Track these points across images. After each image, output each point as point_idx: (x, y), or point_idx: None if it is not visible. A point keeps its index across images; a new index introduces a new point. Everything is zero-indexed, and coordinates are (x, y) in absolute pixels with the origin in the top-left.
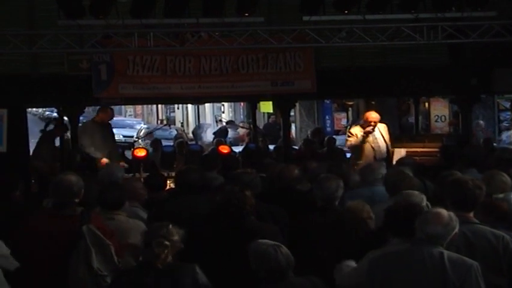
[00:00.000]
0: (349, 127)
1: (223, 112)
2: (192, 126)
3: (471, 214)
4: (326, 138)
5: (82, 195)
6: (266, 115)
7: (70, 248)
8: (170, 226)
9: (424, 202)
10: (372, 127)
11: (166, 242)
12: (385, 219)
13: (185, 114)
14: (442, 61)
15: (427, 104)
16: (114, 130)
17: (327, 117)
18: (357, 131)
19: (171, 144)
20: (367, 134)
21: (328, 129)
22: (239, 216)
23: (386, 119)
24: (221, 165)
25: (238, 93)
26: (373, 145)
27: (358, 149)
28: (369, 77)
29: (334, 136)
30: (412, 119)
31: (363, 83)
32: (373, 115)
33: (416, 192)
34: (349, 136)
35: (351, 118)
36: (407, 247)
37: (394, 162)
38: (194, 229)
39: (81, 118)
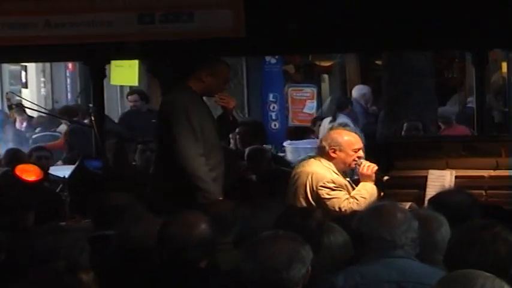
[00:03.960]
0: (316, 125)
1: (25, 86)
2: None
3: None
4: (250, 150)
5: None
6: (121, 91)
7: None
8: None
9: None
10: (361, 159)
11: None
12: None
13: None
14: None
15: (504, 66)
16: None
17: (271, 96)
18: (334, 177)
19: None
20: (378, 177)
21: (275, 124)
22: None
23: (407, 103)
24: (20, 210)
25: (62, 40)
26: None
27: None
28: (367, 5)
29: (288, 143)
30: (471, 101)
31: (354, 19)
32: (356, 137)
33: (485, 274)
34: (333, 190)
35: (327, 100)
36: None
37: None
38: None
39: None
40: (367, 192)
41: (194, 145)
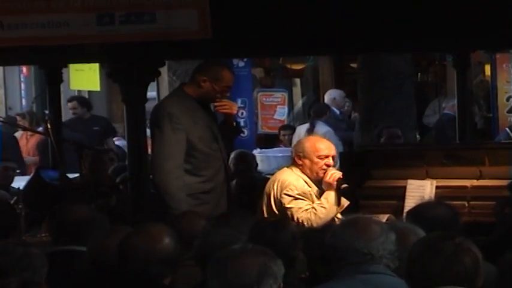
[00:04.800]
0: (281, 134)
1: None
2: None
3: None
4: (236, 154)
5: None
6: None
7: None
8: None
9: None
10: (331, 167)
11: None
12: None
13: None
14: None
15: (488, 69)
16: None
17: (240, 101)
18: (300, 184)
19: None
20: (339, 185)
21: (244, 131)
22: None
23: (385, 108)
24: None
25: (16, 42)
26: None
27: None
28: (341, 5)
29: (257, 151)
30: (450, 106)
31: (328, 18)
32: (326, 144)
33: None
34: (295, 199)
35: (298, 104)
36: None
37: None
38: None
39: None
40: (327, 201)
41: (173, 158)
